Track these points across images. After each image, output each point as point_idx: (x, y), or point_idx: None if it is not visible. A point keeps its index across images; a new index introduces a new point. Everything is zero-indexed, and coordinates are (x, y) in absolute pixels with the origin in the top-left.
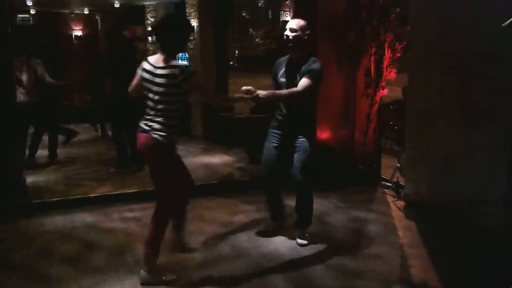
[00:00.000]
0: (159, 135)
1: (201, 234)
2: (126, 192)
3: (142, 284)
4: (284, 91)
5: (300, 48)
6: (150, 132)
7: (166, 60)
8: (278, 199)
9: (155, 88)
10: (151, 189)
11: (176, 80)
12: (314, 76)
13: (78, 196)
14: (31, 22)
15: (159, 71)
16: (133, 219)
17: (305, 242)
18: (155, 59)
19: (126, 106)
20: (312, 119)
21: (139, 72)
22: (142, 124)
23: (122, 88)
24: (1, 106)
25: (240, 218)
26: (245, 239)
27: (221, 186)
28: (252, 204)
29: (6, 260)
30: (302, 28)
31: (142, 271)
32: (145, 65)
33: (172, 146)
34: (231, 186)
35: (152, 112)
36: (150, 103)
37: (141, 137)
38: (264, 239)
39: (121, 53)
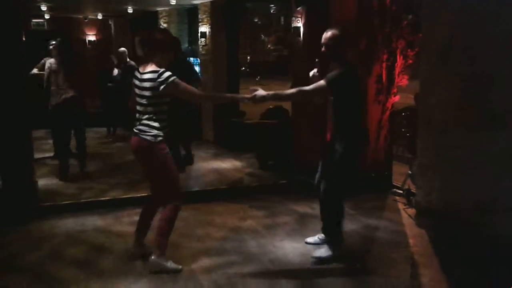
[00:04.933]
0: (146, 135)
1: (210, 239)
2: (136, 196)
3: (151, 268)
4: (286, 91)
5: (334, 58)
6: (138, 134)
7: (148, 67)
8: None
9: (140, 92)
10: None
11: (154, 83)
12: (328, 79)
13: (88, 200)
14: (46, 27)
15: (142, 76)
16: None
17: (316, 256)
18: (142, 67)
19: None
20: (349, 132)
21: (133, 80)
22: (134, 129)
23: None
24: (14, 110)
25: (250, 224)
26: (254, 245)
27: (231, 191)
28: (262, 209)
29: (16, 263)
30: (330, 39)
31: (151, 256)
32: (136, 73)
33: (160, 144)
34: (241, 192)
35: (139, 116)
36: (138, 107)
37: (133, 141)
38: (273, 245)
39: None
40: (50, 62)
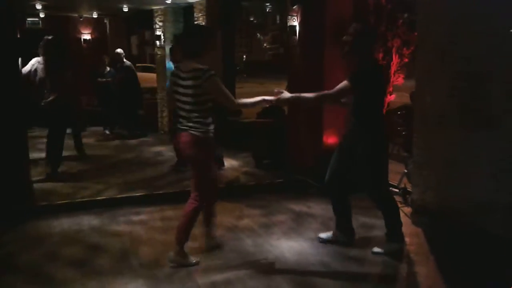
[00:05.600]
0: (196, 130)
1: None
2: (133, 196)
3: (170, 262)
4: (310, 94)
5: (354, 53)
6: (188, 130)
7: (189, 65)
8: (339, 208)
9: (185, 91)
10: (157, 192)
11: (198, 81)
12: (350, 78)
13: (84, 199)
14: (40, 25)
15: (184, 75)
16: (139, 223)
17: (378, 250)
18: (182, 65)
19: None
20: (372, 129)
21: (171, 78)
22: (179, 126)
23: None
24: (10, 110)
25: (246, 223)
26: (251, 244)
27: (227, 191)
28: (258, 208)
29: (12, 263)
30: (356, 33)
31: (171, 252)
32: (174, 71)
33: (208, 140)
34: (237, 191)
35: (184, 114)
36: (181, 105)
37: (181, 136)
38: (270, 243)
39: None
40: (38, 60)
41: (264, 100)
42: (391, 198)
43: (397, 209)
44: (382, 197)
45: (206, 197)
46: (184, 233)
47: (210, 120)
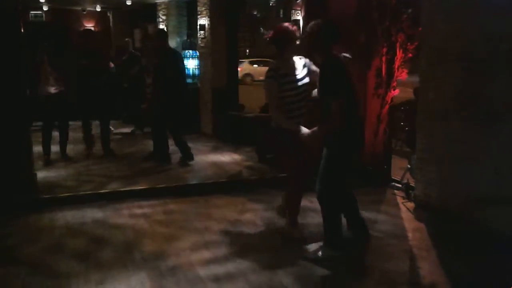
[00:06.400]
0: (272, 123)
1: (209, 232)
2: (136, 189)
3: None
4: (323, 126)
5: (315, 50)
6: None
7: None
8: (345, 208)
9: None
10: (160, 186)
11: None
12: (330, 90)
13: (88, 192)
14: (44, 18)
15: None
16: (142, 216)
17: (310, 255)
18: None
19: None
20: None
21: None
22: None
23: None
24: (12, 102)
25: (249, 217)
26: (253, 238)
27: (230, 185)
28: (261, 202)
29: (15, 255)
30: (312, 29)
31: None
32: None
33: (281, 132)
34: (240, 185)
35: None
36: None
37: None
38: (273, 238)
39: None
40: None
41: (294, 128)
42: (335, 206)
43: (337, 217)
44: (328, 199)
45: (292, 175)
46: (290, 208)
47: (288, 114)
